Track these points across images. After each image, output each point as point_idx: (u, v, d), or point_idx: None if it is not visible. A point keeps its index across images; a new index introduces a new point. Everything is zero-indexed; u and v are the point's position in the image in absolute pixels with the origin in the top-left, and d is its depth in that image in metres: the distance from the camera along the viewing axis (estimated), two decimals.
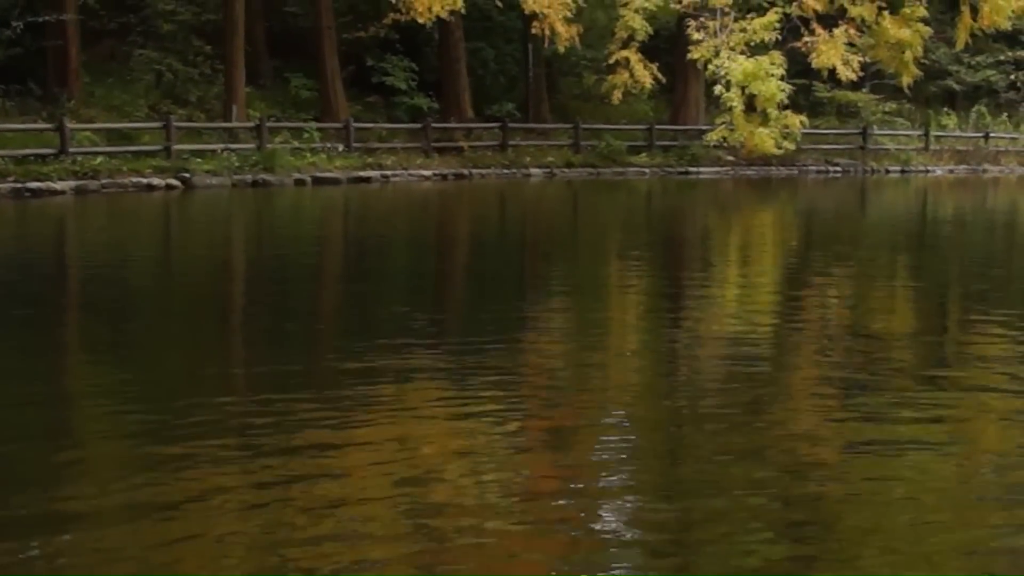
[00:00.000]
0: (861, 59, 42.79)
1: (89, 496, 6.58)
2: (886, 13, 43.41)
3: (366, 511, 6.37)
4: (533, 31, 41.73)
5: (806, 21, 41.71)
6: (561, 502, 6.62)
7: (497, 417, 8.26)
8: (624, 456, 7.56)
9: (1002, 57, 57.70)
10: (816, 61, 41.98)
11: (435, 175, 39.14)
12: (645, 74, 41.99)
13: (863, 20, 42.99)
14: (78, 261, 18.66)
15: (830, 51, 41.54)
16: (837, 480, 6.97)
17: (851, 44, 42.29)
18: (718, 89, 40.53)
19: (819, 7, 41.65)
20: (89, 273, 16.67)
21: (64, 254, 20.10)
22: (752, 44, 40.76)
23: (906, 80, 45.07)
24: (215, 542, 5.98)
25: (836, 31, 41.86)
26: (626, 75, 41.87)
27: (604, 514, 6.35)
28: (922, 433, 7.95)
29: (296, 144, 37.71)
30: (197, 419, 8.10)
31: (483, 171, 40.50)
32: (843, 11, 42.76)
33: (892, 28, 43.14)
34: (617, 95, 42.17)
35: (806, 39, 41.76)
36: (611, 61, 42.42)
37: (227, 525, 6.19)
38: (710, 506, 6.47)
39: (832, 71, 42.44)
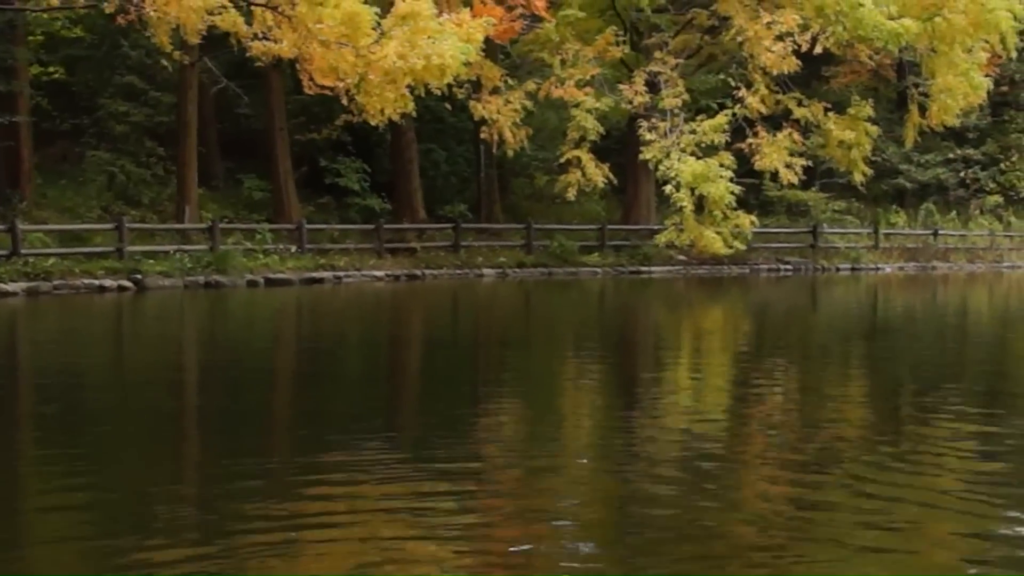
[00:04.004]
0: (806, 162, 43.35)
1: None
2: (832, 114, 44.04)
3: None
4: (482, 136, 42.13)
5: (751, 122, 42.21)
6: None
7: (451, 521, 8.25)
8: (576, 555, 7.56)
9: (951, 155, 58.50)
10: (759, 163, 42.49)
11: (388, 276, 39.22)
12: (597, 173, 42.30)
13: (809, 121, 43.56)
14: (27, 365, 18.55)
15: (772, 154, 42.05)
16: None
17: (796, 143, 42.81)
18: (668, 189, 40.85)
19: (765, 109, 42.17)
20: (38, 376, 16.59)
21: (14, 358, 19.99)
22: (702, 145, 41.18)
23: (858, 178, 45.68)
24: None
25: (779, 135, 42.39)
26: (578, 173, 42.17)
27: None
28: (873, 519, 7.99)
29: (249, 245, 37.79)
30: (148, 521, 8.07)
31: (436, 271, 40.62)
32: (789, 112, 43.33)
33: (837, 129, 43.74)
34: (571, 192, 42.41)
35: (750, 141, 42.23)
36: (563, 160, 42.74)
37: None
38: None
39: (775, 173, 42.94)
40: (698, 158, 40.76)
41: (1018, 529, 7.83)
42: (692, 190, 40.43)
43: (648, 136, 41.67)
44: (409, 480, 9.55)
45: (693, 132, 41.51)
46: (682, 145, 41.19)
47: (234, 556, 7.40)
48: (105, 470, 10.30)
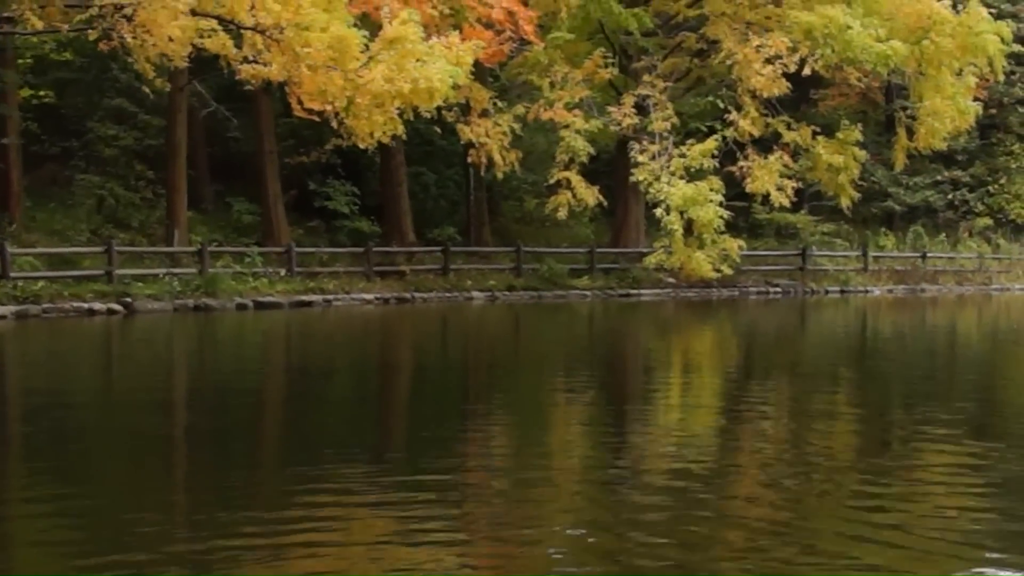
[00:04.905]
0: (796, 184, 43.45)
1: None
2: (821, 137, 44.17)
3: None
4: (470, 159, 42.20)
5: (741, 145, 42.32)
6: None
7: (439, 549, 8.25)
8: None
9: (939, 177, 58.66)
10: (751, 186, 42.62)
11: (377, 299, 39.20)
12: (588, 193, 42.22)
13: (798, 144, 43.69)
14: (15, 388, 18.51)
15: (764, 176, 42.14)
16: None
17: (786, 166, 42.93)
18: (659, 212, 40.89)
19: (755, 131, 42.25)
20: (25, 398, 16.55)
21: (2, 381, 19.96)
22: (691, 169, 41.27)
23: (845, 202, 45.86)
24: None
25: (771, 157, 42.50)
26: (568, 194, 42.10)
27: None
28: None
29: (238, 268, 37.77)
30: (135, 548, 8.07)
31: (425, 295, 40.59)
32: (778, 136, 43.45)
33: (826, 152, 43.86)
34: (562, 212, 42.34)
35: (741, 164, 42.34)
36: (552, 181, 42.67)
37: None
38: None
39: (766, 196, 43.06)
40: (688, 181, 40.84)
41: None
42: (682, 213, 40.49)
43: (639, 158, 41.73)
44: (396, 493, 9.59)
45: (683, 156, 41.60)
46: (672, 168, 41.27)
47: (219, 563, 7.43)
48: (91, 485, 10.33)
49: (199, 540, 8.25)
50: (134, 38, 28.92)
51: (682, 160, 41.49)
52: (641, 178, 41.66)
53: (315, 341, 28.42)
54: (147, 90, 34.61)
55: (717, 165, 41.93)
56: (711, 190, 40.64)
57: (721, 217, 40.68)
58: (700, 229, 40.71)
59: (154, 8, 28.18)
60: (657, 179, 41.13)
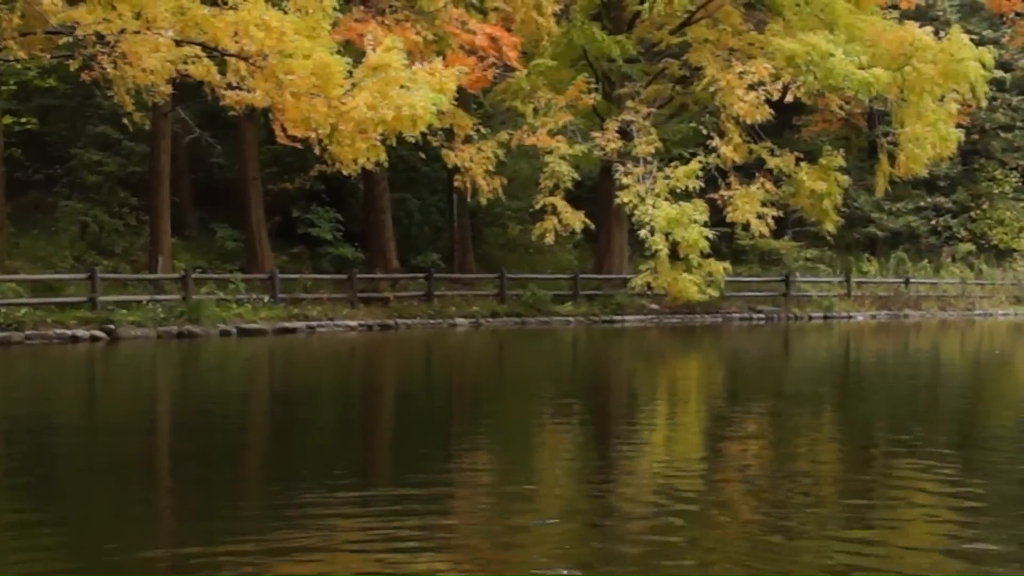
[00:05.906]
0: (777, 213, 43.56)
1: None
2: (804, 164, 44.29)
3: None
4: (456, 184, 42.23)
5: (724, 172, 42.43)
6: None
7: (421, 557, 8.26)
8: None
9: (922, 203, 58.90)
10: (732, 215, 42.67)
11: (361, 325, 39.14)
12: (574, 218, 42.23)
13: (781, 170, 43.79)
14: None
15: (745, 205, 42.24)
16: None
17: (769, 192, 43.04)
18: (643, 233, 40.90)
19: (738, 157, 42.37)
20: (9, 426, 16.51)
21: None
22: (676, 192, 41.32)
23: (828, 227, 45.94)
24: None
25: (752, 186, 42.60)
26: (555, 219, 42.08)
27: None
28: None
29: (222, 295, 37.69)
30: (115, 556, 8.07)
31: (409, 321, 40.55)
32: (761, 162, 43.56)
33: (809, 179, 43.97)
34: (549, 237, 42.31)
35: (723, 192, 42.45)
36: (538, 207, 42.65)
37: None
38: None
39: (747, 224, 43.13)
40: (672, 204, 40.88)
41: None
42: (667, 235, 40.52)
43: (624, 180, 41.79)
44: (378, 507, 9.62)
45: (667, 178, 41.65)
46: (656, 190, 41.32)
47: (200, 569, 7.46)
48: (73, 501, 10.36)
49: (181, 547, 8.32)
50: (115, 69, 28.88)
51: (667, 182, 41.54)
52: (626, 200, 41.69)
53: (299, 368, 28.38)
54: (125, 122, 34.61)
55: (703, 185, 42.00)
56: (695, 211, 40.68)
57: (707, 238, 40.71)
58: (686, 250, 40.72)
59: (136, 39, 28.16)
60: (642, 201, 41.17)
